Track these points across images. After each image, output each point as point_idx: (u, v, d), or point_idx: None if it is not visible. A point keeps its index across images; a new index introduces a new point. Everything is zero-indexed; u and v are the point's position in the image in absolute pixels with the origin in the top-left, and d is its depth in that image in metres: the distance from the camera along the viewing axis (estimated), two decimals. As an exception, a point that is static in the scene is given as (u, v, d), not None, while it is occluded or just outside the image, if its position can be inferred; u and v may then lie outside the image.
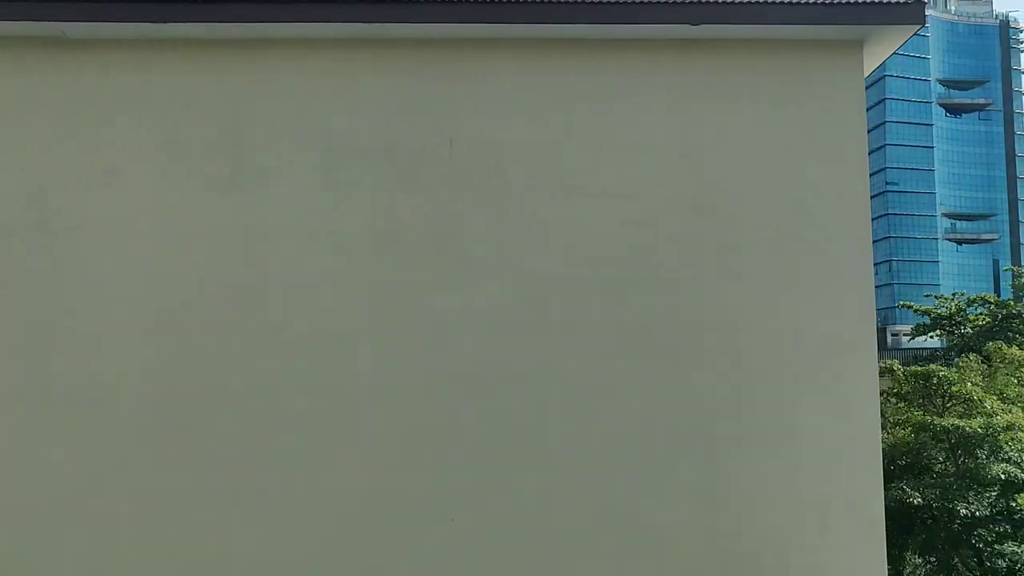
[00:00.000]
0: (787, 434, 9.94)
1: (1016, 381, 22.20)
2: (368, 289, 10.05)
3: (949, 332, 43.03)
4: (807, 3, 9.95)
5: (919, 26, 10.03)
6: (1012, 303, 43.25)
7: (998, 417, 18.03)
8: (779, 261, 10.12)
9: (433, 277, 10.08)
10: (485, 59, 10.30)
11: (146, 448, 9.62)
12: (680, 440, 9.92)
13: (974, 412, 19.12)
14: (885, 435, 24.79)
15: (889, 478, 21.82)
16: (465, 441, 9.88)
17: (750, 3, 10.03)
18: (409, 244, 10.09)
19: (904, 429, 20.27)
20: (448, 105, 10.23)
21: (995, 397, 19.71)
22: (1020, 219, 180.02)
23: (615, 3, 9.99)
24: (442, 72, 10.25)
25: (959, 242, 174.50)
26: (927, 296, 49.30)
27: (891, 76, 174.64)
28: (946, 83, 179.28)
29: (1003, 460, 17.83)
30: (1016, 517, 17.24)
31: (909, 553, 18.82)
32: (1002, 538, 17.45)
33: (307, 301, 9.98)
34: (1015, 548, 16.70)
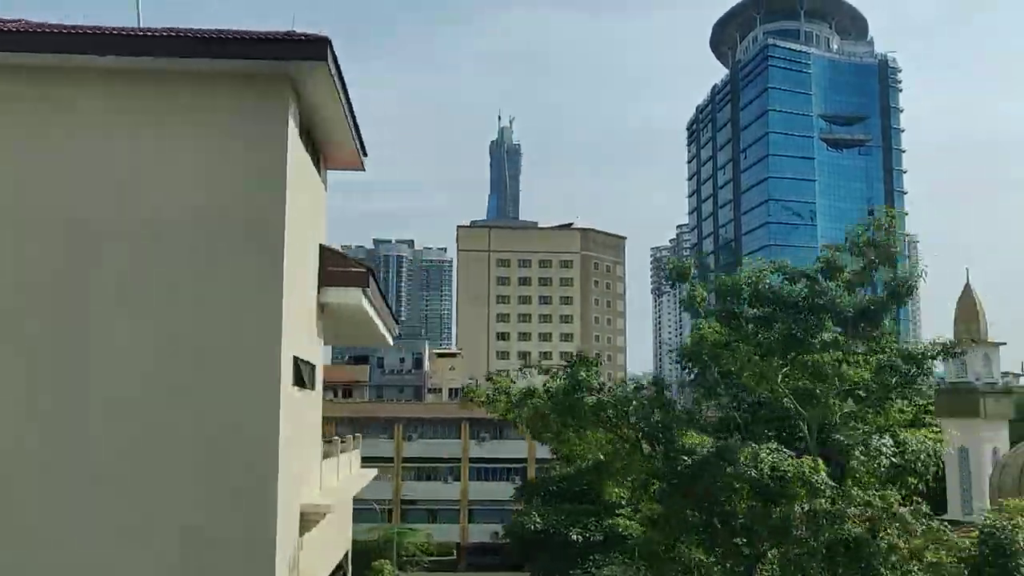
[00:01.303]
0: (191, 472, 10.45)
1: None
2: None
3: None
4: (213, 38, 10.57)
5: (322, 62, 10.69)
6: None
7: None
8: (199, 277, 10.69)
9: None
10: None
11: None
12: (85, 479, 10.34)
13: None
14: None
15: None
16: None
17: (167, 37, 10.61)
18: None
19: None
20: None
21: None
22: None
23: (36, 33, 10.49)
24: None
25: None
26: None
27: (774, 111, 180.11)
28: (828, 119, 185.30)
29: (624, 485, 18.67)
30: (624, 539, 18.06)
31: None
32: (607, 561, 18.25)
33: None
34: (614, 570, 17.49)
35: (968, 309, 34.30)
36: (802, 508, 18.71)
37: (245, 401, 10.51)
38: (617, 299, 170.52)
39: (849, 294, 24.11)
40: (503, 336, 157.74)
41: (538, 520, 19.57)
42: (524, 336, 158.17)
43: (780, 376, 25.02)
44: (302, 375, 12.37)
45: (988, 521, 19.78)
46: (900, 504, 20.63)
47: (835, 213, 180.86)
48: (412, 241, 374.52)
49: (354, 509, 20.93)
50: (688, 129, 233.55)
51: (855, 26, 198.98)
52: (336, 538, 19.18)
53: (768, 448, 21.20)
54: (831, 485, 19.78)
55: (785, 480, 19.51)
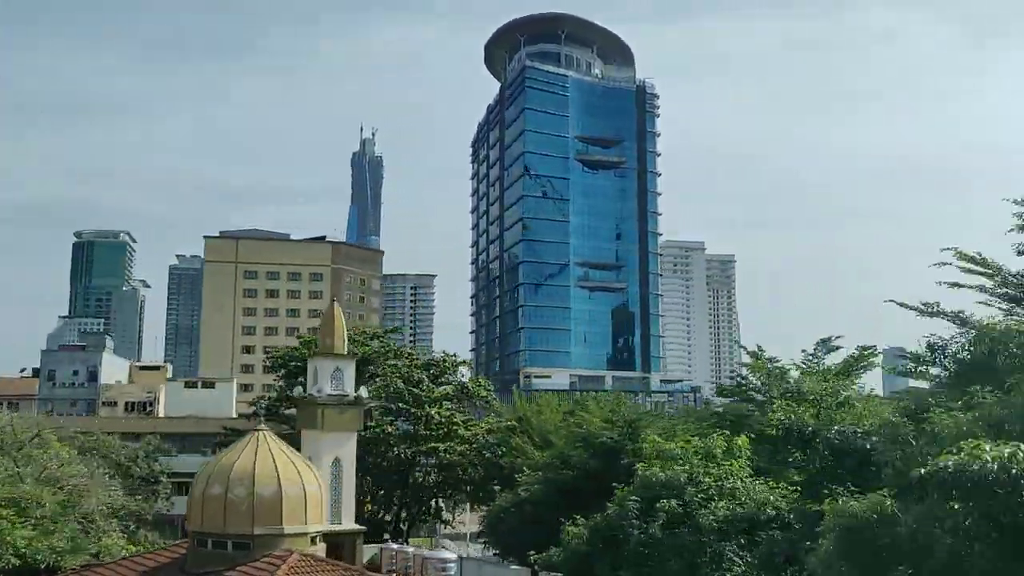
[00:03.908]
0: None
1: None
2: None
3: None
4: None
5: None
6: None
7: None
8: None
9: None
10: None
11: None
12: None
13: None
14: None
15: None
16: None
17: None
18: None
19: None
20: None
21: None
22: (650, 270, 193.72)
23: None
24: None
25: (591, 289, 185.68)
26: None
27: (531, 131, 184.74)
28: (584, 140, 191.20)
29: None
30: None
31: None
32: None
33: None
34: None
35: (327, 325, 35.84)
36: None
37: None
38: (372, 313, 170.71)
39: None
40: (248, 349, 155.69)
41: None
42: (270, 349, 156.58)
43: None
44: None
45: None
46: None
47: (589, 232, 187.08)
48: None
49: None
50: (472, 147, 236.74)
51: (621, 53, 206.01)
52: None
53: None
54: None
55: None
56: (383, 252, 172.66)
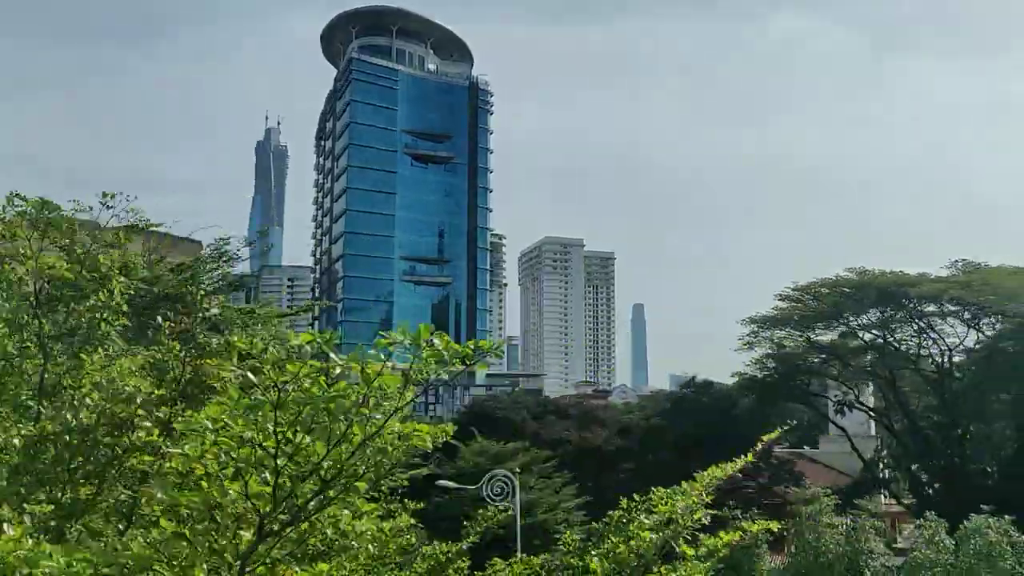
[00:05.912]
0: None
1: None
2: None
3: None
4: None
5: None
6: None
7: None
8: None
9: None
10: None
11: None
12: None
13: None
14: None
15: None
16: None
17: None
18: None
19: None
20: None
21: None
22: (479, 266, 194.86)
23: None
24: None
25: (417, 283, 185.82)
26: None
27: (357, 124, 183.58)
28: (414, 134, 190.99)
29: None
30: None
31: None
32: None
33: None
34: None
35: None
36: None
37: None
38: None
39: None
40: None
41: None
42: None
43: None
44: None
45: None
46: None
47: (415, 226, 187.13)
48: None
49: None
50: (316, 138, 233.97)
51: (458, 50, 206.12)
52: None
53: None
54: None
55: None
56: (200, 243, 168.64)
